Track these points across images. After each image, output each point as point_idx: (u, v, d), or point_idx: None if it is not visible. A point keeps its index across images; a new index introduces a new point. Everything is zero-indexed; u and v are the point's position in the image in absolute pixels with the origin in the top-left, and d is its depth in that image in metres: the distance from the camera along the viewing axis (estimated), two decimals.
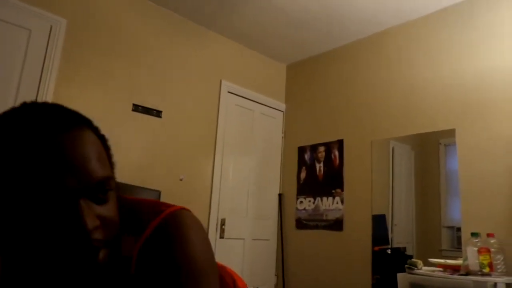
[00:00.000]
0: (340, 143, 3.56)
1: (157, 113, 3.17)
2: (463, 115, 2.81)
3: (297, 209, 3.78)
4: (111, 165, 0.60)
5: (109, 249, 0.54)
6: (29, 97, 2.50)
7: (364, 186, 3.29)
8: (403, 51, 3.28)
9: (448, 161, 2.93)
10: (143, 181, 2.83)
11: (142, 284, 0.59)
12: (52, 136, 0.51)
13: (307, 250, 3.59)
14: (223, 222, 3.47)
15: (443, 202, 2.94)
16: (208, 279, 0.61)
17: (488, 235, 2.38)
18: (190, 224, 0.64)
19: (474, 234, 2.37)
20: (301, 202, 3.75)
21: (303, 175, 3.81)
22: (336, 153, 3.57)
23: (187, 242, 0.61)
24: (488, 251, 2.29)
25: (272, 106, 4.07)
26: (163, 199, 2.39)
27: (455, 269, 2.35)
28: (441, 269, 2.45)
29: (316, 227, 3.57)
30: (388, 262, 3.06)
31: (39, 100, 2.40)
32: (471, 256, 2.29)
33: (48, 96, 2.60)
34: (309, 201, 3.68)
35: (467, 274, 2.26)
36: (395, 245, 3.13)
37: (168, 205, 0.66)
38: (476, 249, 2.29)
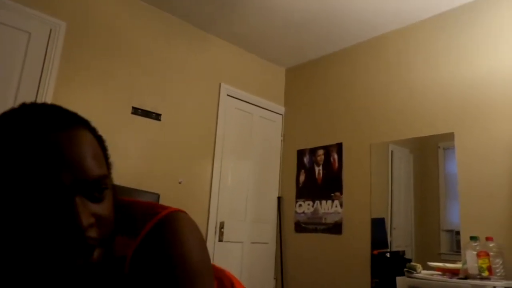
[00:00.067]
0: (339, 147, 3.56)
1: (156, 116, 3.17)
2: (462, 118, 2.81)
3: (296, 212, 3.77)
4: (108, 165, 0.60)
5: (103, 248, 0.54)
6: (29, 100, 2.50)
7: (363, 190, 3.29)
8: (402, 55, 3.29)
9: (447, 165, 2.93)
10: (142, 184, 2.83)
11: (135, 285, 0.59)
12: (49, 134, 0.51)
13: (306, 254, 3.58)
14: (222, 225, 3.46)
15: (442, 205, 2.94)
16: (203, 280, 0.61)
17: (487, 238, 2.37)
18: (186, 226, 0.64)
19: (473, 238, 2.37)
20: (300, 205, 3.75)
21: (302, 178, 3.81)
22: (335, 156, 3.57)
23: (182, 244, 0.61)
24: (487, 255, 2.28)
25: (271, 110, 4.08)
26: (162, 202, 2.39)
27: (454, 273, 2.35)
28: (440, 272, 2.44)
29: (315, 230, 3.57)
30: (387, 265, 3.05)
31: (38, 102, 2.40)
32: (470, 259, 2.28)
33: (47, 99, 2.60)
34: (308, 204, 3.68)
35: (466, 278, 2.25)
36: (394, 249, 3.12)
37: (164, 207, 0.66)
38: (475, 252, 2.29)
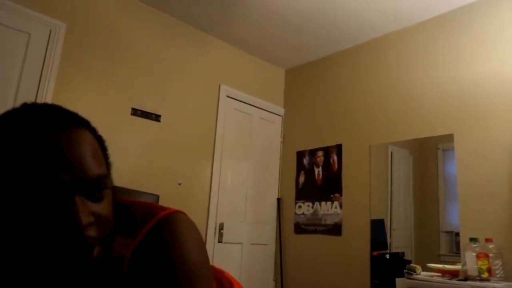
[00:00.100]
0: (338, 148, 3.56)
1: (156, 117, 3.17)
2: (461, 120, 2.82)
3: (295, 213, 3.77)
4: (107, 165, 0.60)
5: (103, 247, 0.54)
6: (28, 100, 2.50)
7: (363, 191, 3.29)
8: (401, 56, 3.29)
9: (446, 166, 2.93)
10: (142, 185, 2.83)
11: (133, 285, 0.59)
12: (50, 134, 0.52)
13: (306, 255, 3.58)
14: (221, 227, 3.46)
15: (442, 207, 2.94)
16: (202, 281, 0.61)
17: (487, 240, 2.37)
18: (185, 227, 0.64)
19: (473, 239, 2.37)
20: (300, 206, 3.75)
21: (301, 179, 3.81)
22: (335, 157, 3.57)
23: (181, 244, 0.61)
24: (487, 256, 2.28)
25: (271, 111, 4.08)
26: (162, 203, 2.38)
27: (453, 274, 2.35)
28: (439, 274, 2.44)
29: (315, 231, 3.57)
30: (386, 267, 3.05)
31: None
32: (470, 261, 2.28)
33: (47, 99, 2.61)
34: (308, 205, 3.68)
35: (465, 279, 2.25)
36: (393, 250, 3.12)
37: (163, 208, 0.66)
38: (474, 254, 2.29)
